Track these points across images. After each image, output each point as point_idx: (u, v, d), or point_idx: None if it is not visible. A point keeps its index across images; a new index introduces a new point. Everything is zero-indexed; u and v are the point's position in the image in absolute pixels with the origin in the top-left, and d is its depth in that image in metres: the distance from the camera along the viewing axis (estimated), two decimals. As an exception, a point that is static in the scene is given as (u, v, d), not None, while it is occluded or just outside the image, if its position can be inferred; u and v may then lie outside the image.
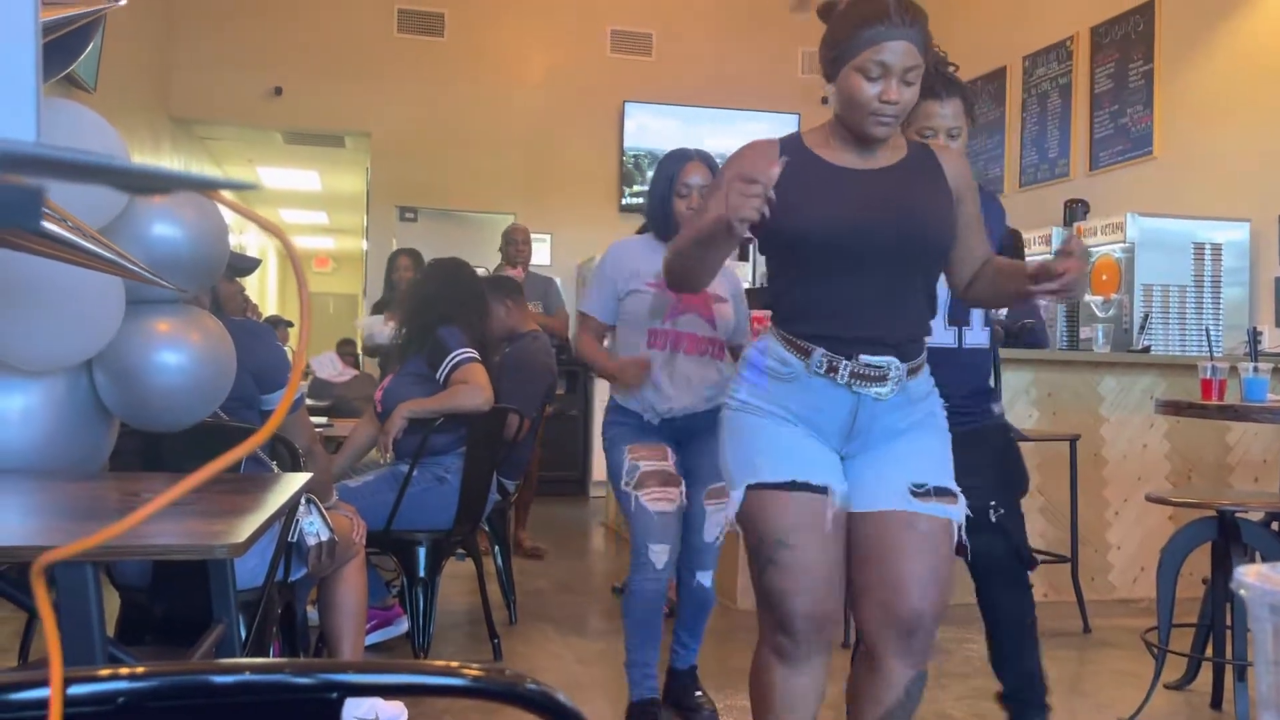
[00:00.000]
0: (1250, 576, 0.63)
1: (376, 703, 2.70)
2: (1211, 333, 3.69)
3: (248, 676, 0.57)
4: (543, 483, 5.53)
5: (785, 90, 8.65)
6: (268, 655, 2.40)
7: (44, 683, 0.52)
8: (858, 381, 1.84)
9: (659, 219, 2.79)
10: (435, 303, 3.44)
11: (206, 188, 0.35)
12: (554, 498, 5.58)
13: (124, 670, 0.55)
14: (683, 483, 2.75)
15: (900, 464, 1.87)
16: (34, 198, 0.31)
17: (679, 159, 2.75)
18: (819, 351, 1.85)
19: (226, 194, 0.48)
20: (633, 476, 2.72)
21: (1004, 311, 4.07)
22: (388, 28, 8.21)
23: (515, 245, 5.67)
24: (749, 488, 1.86)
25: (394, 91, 8.15)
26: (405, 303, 3.62)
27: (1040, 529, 4.34)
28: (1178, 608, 2.96)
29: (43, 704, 0.51)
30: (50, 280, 1.83)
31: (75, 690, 0.53)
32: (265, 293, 14.30)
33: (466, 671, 0.63)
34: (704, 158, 2.79)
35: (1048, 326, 5.77)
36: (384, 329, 5.20)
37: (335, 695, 0.58)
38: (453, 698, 0.62)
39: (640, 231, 3.00)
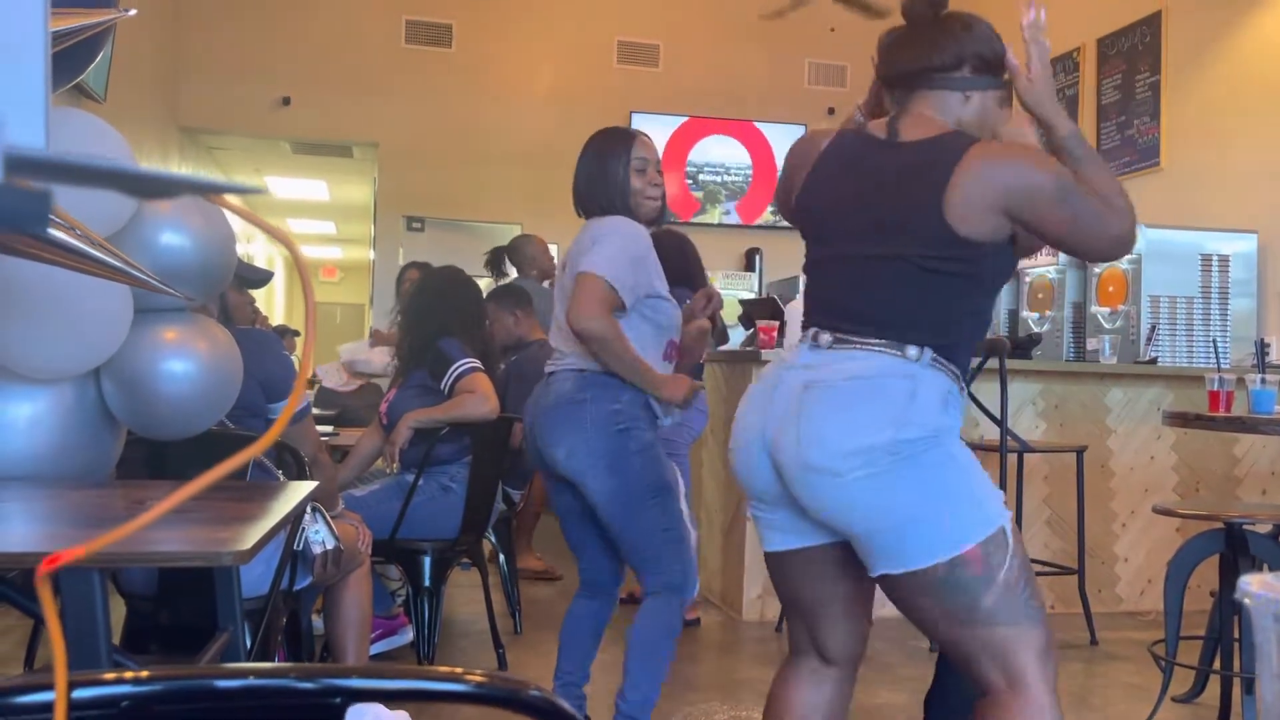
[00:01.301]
0: (1255, 585, 0.62)
1: (380, 711, 2.70)
2: (1219, 344, 3.68)
3: (251, 681, 0.58)
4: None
5: (792, 101, 8.67)
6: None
7: (48, 686, 0.52)
8: None
9: (619, 198, 2.50)
10: (434, 314, 3.44)
11: (212, 192, 0.36)
12: (559, 508, 5.61)
13: (128, 674, 0.55)
14: None
15: None
16: (42, 201, 0.31)
17: (628, 135, 2.56)
18: (963, 399, 1.76)
19: (233, 200, 0.48)
20: (687, 504, 2.52)
21: None
22: (396, 38, 8.25)
23: (548, 254, 5.63)
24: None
25: (402, 102, 8.19)
26: (404, 316, 3.62)
27: (1047, 541, 4.33)
28: (1185, 620, 2.94)
29: (47, 707, 0.51)
30: (58, 288, 1.84)
31: (79, 694, 0.53)
32: (273, 302, 14.34)
33: (470, 677, 0.63)
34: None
35: (1055, 338, 5.77)
36: (369, 356, 5.17)
37: (338, 700, 0.58)
38: (456, 703, 0.62)
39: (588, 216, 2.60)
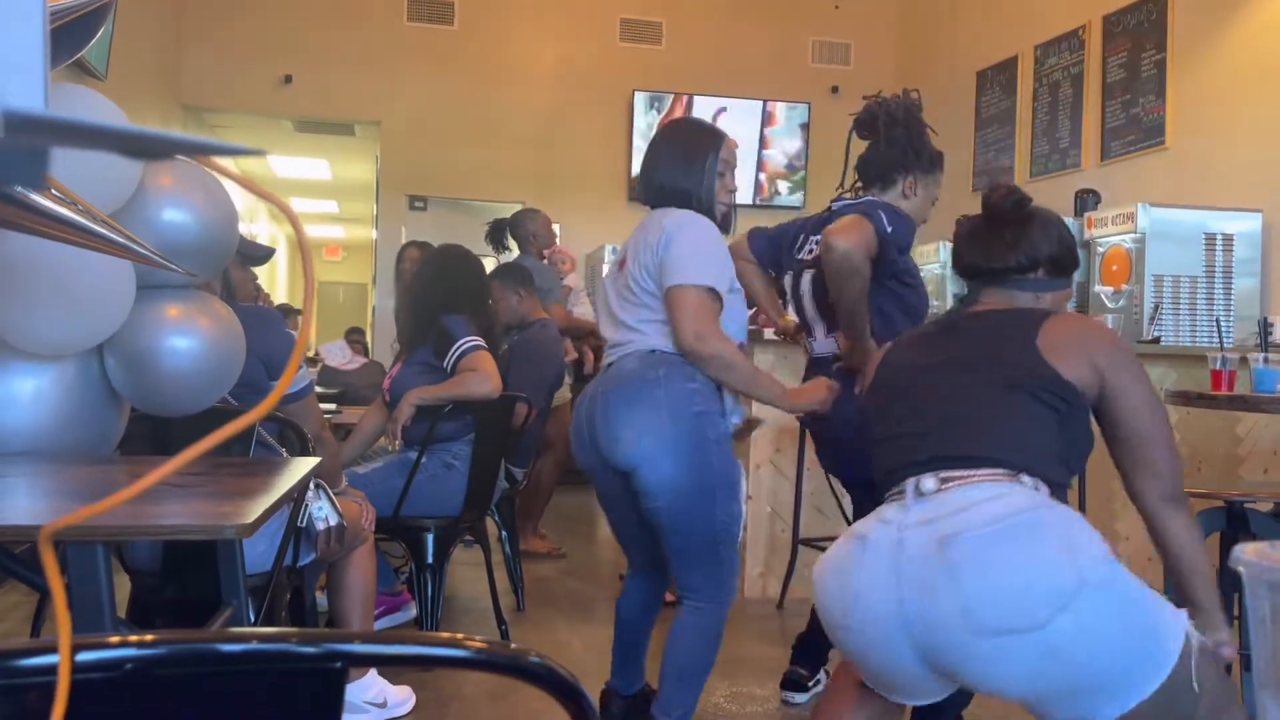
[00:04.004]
0: (1249, 553, 0.63)
1: (385, 688, 2.72)
2: (1222, 323, 3.67)
3: (254, 645, 0.58)
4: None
5: (795, 79, 8.63)
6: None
7: (53, 649, 0.52)
8: None
9: (702, 194, 2.37)
10: (438, 291, 3.44)
11: (210, 153, 0.36)
12: (561, 486, 5.61)
13: (132, 637, 0.56)
14: None
15: None
16: (38, 159, 0.32)
17: (717, 134, 2.45)
18: None
19: (229, 166, 0.48)
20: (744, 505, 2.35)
21: None
22: (397, 16, 8.21)
23: (549, 229, 5.57)
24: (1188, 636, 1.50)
25: (404, 80, 8.16)
26: (409, 292, 3.62)
27: (1048, 519, 4.34)
28: (1185, 597, 2.95)
29: (51, 670, 0.52)
30: (61, 264, 1.84)
31: (83, 656, 0.54)
32: (275, 280, 14.34)
33: (470, 643, 0.63)
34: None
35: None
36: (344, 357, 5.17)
37: (339, 664, 0.59)
38: (457, 669, 0.62)
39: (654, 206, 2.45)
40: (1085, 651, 1.41)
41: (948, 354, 1.73)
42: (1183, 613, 1.51)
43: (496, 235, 5.33)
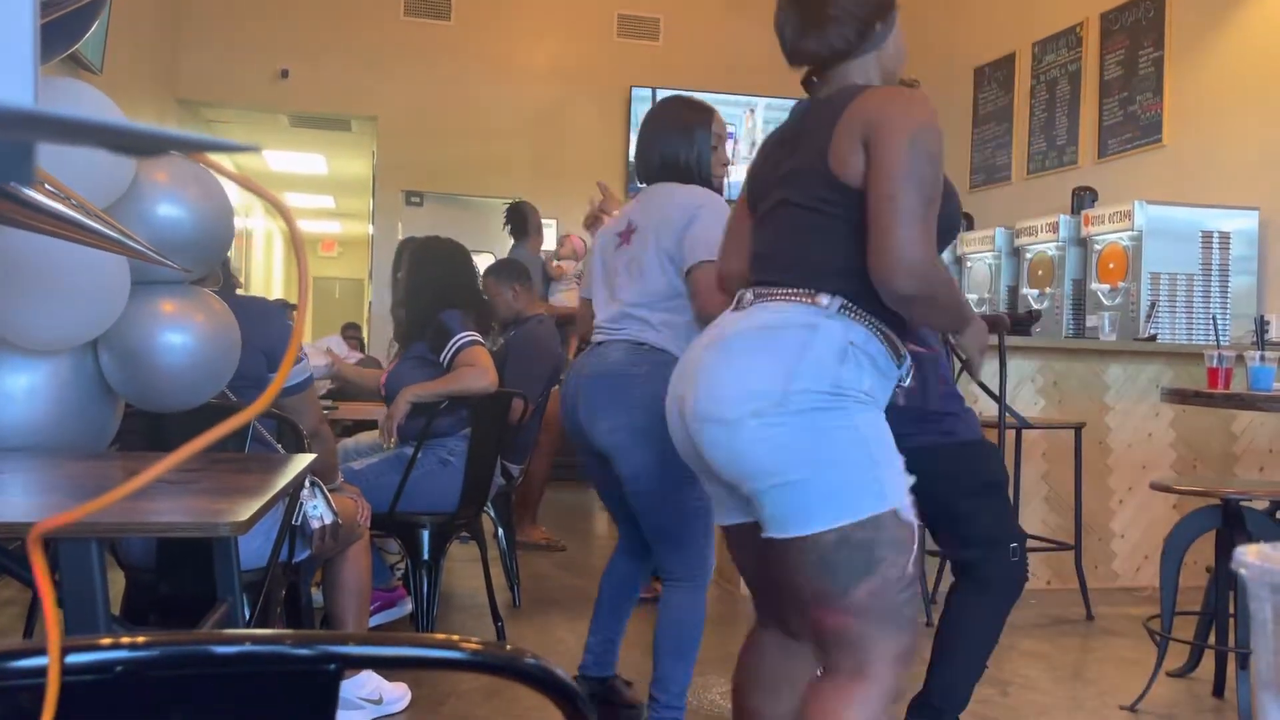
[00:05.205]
0: (1250, 555, 0.63)
1: (380, 685, 2.71)
2: (1218, 321, 3.67)
3: (248, 647, 0.58)
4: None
5: (793, 75, 8.60)
6: (272, 635, 2.39)
7: (43, 651, 0.52)
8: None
9: (701, 168, 2.46)
10: (434, 285, 3.44)
11: (203, 149, 0.35)
12: (557, 483, 5.60)
13: (124, 639, 0.55)
14: None
15: None
16: (25, 154, 0.31)
17: (707, 109, 2.51)
18: (909, 359, 1.68)
19: (223, 161, 0.48)
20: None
21: None
22: (394, 11, 8.19)
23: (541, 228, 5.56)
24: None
25: (400, 75, 8.14)
26: (404, 286, 3.61)
27: (1044, 517, 4.34)
28: (1181, 596, 2.95)
29: (41, 672, 0.51)
30: (56, 260, 1.83)
31: (74, 659, 0.53)
32: (271, 275, 14.32)
33: (466, 645, 0.63)
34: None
35: (1054, 314, 5.76)
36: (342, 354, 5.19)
37: (333, 667, 0.58)
38: (452, 671, 0.62)
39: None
40: (765, 461, 1.53)
41: (780, 167, 1.74)
42: (904, 495, 1.56)
43: (516, 219, 5.31)
